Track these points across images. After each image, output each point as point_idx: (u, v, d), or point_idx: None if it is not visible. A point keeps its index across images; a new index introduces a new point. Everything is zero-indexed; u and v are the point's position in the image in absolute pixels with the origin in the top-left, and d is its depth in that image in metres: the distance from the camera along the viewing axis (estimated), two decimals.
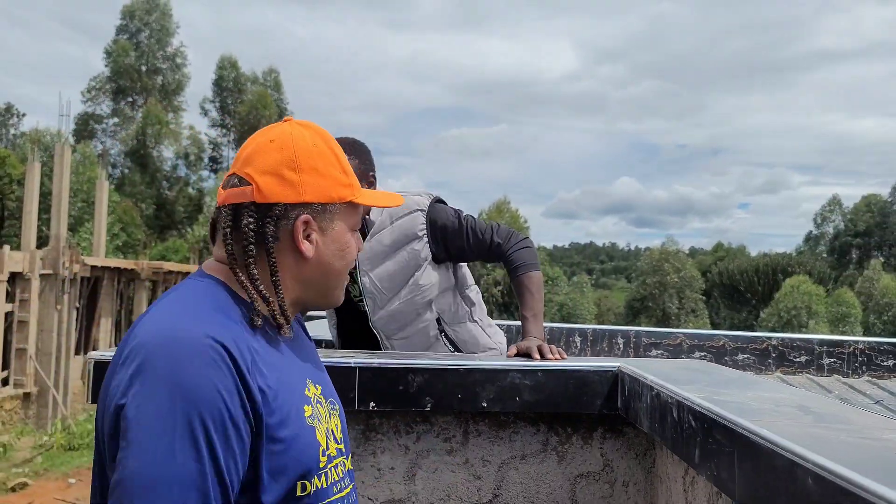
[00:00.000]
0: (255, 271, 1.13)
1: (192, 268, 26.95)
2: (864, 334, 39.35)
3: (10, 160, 32.78)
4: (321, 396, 1.22)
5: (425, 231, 2.46)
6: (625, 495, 1.89)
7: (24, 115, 51.39)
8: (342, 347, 2.70)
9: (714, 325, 48.20)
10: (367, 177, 2.39)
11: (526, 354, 2.07)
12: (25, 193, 20.18)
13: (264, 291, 1.12)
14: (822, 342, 5.65)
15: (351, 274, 2.42)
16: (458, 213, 2.55)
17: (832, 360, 5.62)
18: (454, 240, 2.48)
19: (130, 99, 45.41)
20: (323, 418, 1.18)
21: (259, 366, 1.04)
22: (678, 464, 1.69)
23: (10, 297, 18.19)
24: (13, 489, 12.31)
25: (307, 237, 1.17)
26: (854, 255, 61.84)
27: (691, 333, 5.61)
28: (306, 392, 1.17)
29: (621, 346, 5.34)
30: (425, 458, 1.95)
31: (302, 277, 1.19)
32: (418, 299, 2.46)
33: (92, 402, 1.84)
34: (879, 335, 39.40)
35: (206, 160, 45.59)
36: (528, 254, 2.46)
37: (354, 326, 2.61)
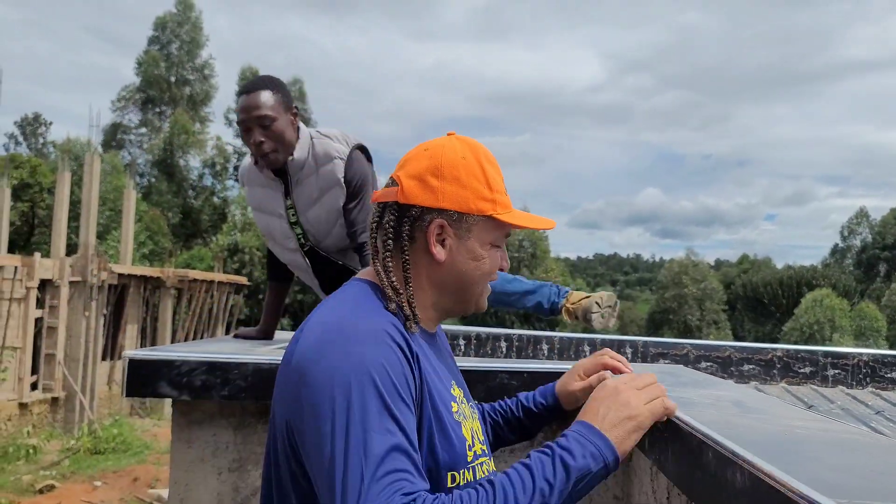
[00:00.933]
0: (390, 264, 1.23)
1: (217, 276, 27.33)
2: (891, 348, 38.87)
3: (41, 169, 33.48)
4: (464, 399, 1.30)
5: (343, 180, 2.58)
6: (604, 486, 2.08)
7: (51, 123, 52.40)
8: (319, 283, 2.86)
9: (737, 338, 47.89)
10: (290, 109, 2.52)
11: None
12: (56, 202, 20.68)
13: (395, 283, 1.21)
14: (826, 354, 5.77)
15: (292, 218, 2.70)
16: (366, 180, 2.62)
17: (836, 371, 5.73)
18: (347, 201, 2.59)
19: (159, 109, 46.20)
20: (468, 417, 1.25)
21: (417, 356, 1.14)
22: (646, 459, 1.87)
23: (40, 303, 18.63)
24: (41, 491, 12.61)
25: (441, 242, 1.24)
26: (882, 269, 61.05)
27: (697, 344, 5.76)
28: (452, 391, 1.25)
29: (629, 355, 5.50)
30: None
31: (437, 280, 1.26)
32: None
33: (127, 396, 2.06)
34: None
35: (230, 169, 46.21)
36: None
37: (318, 260, 2.77)
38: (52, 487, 12.81)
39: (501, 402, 1.61)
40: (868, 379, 5.74)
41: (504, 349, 4.74)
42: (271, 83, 2.49)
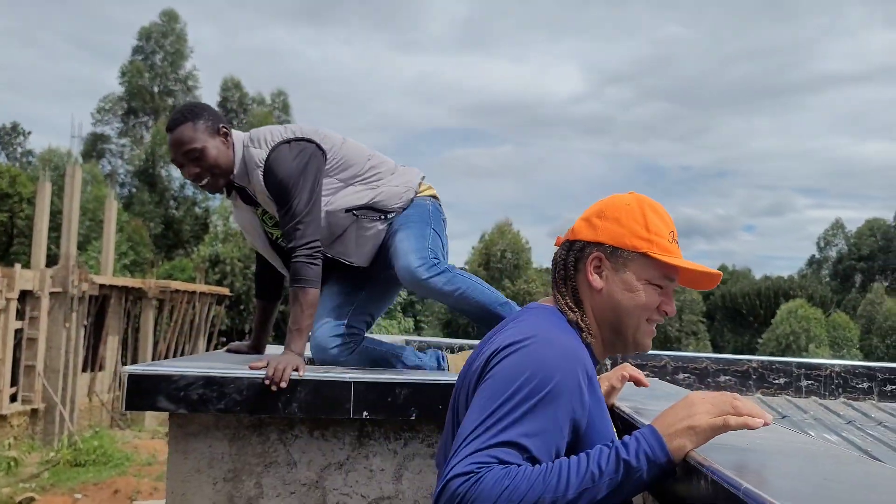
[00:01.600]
0: (563, 291, 1.44)
1: (199, 287, 27.25)
2: (865, 358, 39.41)
3: (21, 179, 33.25)
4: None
5: (266, 189, 2.50)
6: None
7: (29, 133, 51.96)
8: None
9: (717, 348, 48.26)
10: (217, 131, 2.48)
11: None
12: (36, 213, 20.58)
13: (570, 303, 1.42)
14: (800, 365, 5.91)
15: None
16: (293, 175, 2.47)
17: (810, 382, 5.87)
18: (277, 207, 2.50)
19: (141, 119, 46.03)
20: None
21: (592, 379, 1.29)
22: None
23: (20, 314, 18.51)
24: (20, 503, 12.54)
25: (599, 272, 1.41)
26: (857, 279, 61.80)
27: (675, 356, 5.88)
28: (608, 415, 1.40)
29: (609, 367, 5.60)
30: (411, 460, 2.24)
31: (597, 308, 1.41)
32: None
33: (126, 409, 2.14)
34: (882, 359, 39.44)
35: None
36: (313, 270, 2.43)
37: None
38: (31, 500, 12.74)
39: None
40: (840, 389, 5.88)
41: None
42: (190, 113, 2.48)
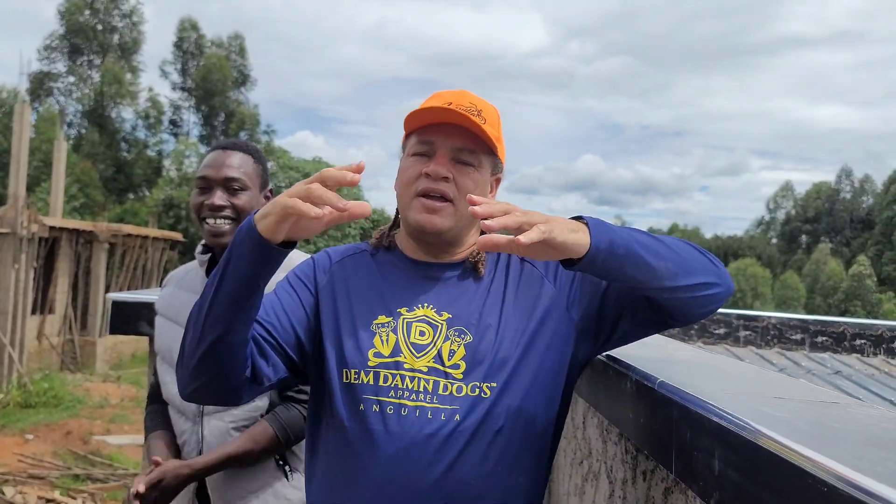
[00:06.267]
0: None
1: (152, 231, 26.95)
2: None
3: None
4: (442, 322, 1.31)
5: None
6: None
7: None
8: None
9: None
10: (266, 186, 2.14)
11: None
12: None
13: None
14: (739, 317, 6.25)
15: None
16: None
17: (748, 332, 6.22)
18: None
19: (87, 58, 44.48)
20: (413, 334, 1.29)
21: (338, 273, 1.41)
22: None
23: None
24: None
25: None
26: (803, 241, 63.60)
27: None
28: (401, 309, 1.33)
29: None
30: None
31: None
32: None
33: (111, 333, 2.29)
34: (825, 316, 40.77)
35: (165, 123, 45.12)
36: None
37: None
38: None
39: None
40: (775, 340, 6.26)
41: None
42: (255, 152, 2.13)
